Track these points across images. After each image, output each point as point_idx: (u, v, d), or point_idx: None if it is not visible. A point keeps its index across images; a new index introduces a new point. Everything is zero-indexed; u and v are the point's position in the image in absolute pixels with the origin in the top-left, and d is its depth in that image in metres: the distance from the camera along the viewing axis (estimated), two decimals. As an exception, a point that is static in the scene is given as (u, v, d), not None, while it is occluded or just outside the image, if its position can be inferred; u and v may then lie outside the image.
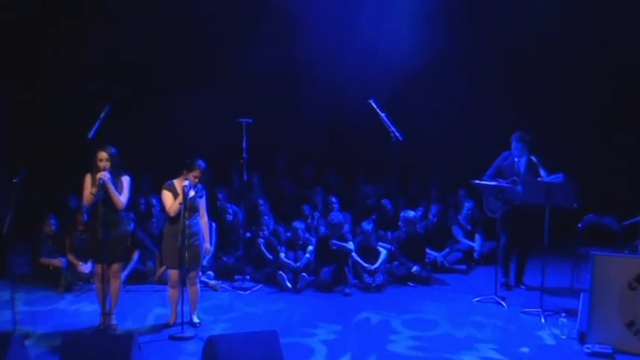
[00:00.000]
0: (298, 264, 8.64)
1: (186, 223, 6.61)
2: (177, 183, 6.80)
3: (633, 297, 6.28)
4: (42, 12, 10.30)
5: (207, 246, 7.07)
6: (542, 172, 7.68)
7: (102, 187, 6.45)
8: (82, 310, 7.59)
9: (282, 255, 8.73)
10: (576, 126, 10.49)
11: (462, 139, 10.72)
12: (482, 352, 6.41)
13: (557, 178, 7.26)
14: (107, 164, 6.57)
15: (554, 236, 7.39)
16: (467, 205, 9.81)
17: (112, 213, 6.62)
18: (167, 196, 6.83)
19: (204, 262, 7.65)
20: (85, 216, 6.92)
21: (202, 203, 6.99)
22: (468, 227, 9.79)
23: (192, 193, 6.76)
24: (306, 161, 11.47)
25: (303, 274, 8.48)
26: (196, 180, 6.77)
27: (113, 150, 6.66)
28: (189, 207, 6.69)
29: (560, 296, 8.03)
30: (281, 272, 8.44)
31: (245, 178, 8.72)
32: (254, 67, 11.11)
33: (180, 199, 6.65)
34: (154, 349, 6.38)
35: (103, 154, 6.58)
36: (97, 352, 5.52)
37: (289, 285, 8.39)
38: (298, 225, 8.93)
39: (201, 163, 6.83)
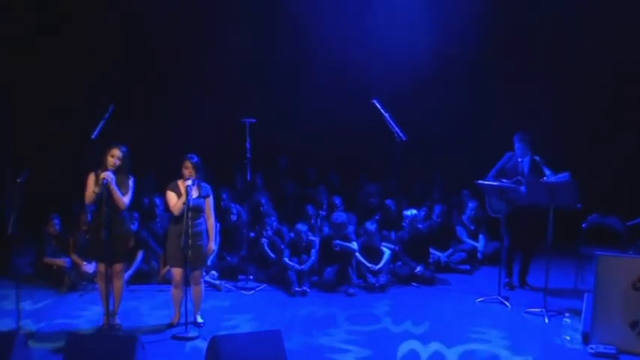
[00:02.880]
0: (303, 266, 8.60)
1: (190, 222, 6.62)
2: (181, 183, 6.80)
3: (637, 297, 6.26)
4: (44, 12, 10.34)
5: (212, 246, 7.06)
6: (547, 171, 7.67)
7: (104, 187, 6.47)
8: (85, 310, 7.60)
9: (287, 259, 8.66)
10: (580, 126, 10.48)
11: (466, 139, 10.73)
12: (485, 351, 6.40)
13: (564, 177, 7.25)
14: (117, 162, 6.60)
15: (558, 236, 7.39)
16: (470, 205, 9.79)
17: (114, 213, 6.62)
18: (170, 196, 6.85)
19: (208, 262, 7.64)
20: (89, 216, 6.91)
21: (209, 204, 6.98)
22: (472, 227, 9.77)
23: (195, 193, 6.78)
24: (310, 161, 11.47)
25: (307, 276, 8.49)
26: (189, 173, 6.74)
27: (125, 149, 6.69)
28: (193, 208, 6.70)
29: (564, 297, 8.01)
30: (296, 288, 8.32)
31: (249, 178, 8.73)
32: (258, 67, 11.14)
33: (183, 198, 6.67)
34: (157, 349, 6.38)
35: (116, 151, 6.60)
36: (101, 351, 5.53)
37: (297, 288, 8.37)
38: (301, 227, 8.85)
39: (190, 156, 6.84)
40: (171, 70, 11.12)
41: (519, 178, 7.77)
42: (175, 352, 6.38)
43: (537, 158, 7.90)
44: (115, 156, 6.59)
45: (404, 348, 6.48)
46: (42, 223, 8.80)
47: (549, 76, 10.70)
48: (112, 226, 6.59)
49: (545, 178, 7.56)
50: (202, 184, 6.92)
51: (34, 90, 10.50)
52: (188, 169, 6.78)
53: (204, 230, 6.90)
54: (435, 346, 6.53)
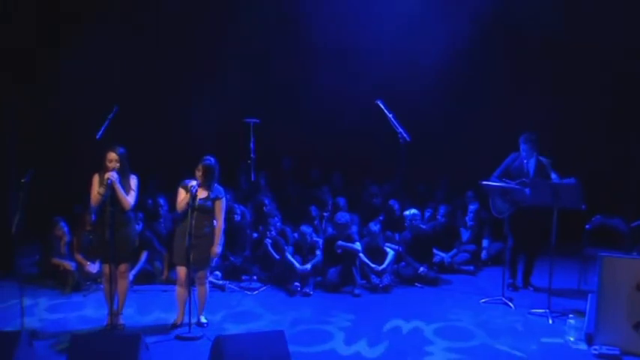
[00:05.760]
0: (306, 266, 8.61)
1: (194, 223, 6.63)
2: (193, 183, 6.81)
3: (641, 299, 6.27)
4: (46, 14, 10.35)
5: (215, 250, 6.97)
6: (553, 176, 7.66)
7: (109, 188, 6.48)
8: (89, 310, 7.61)
9: (289, 256, 8.69)
10: (584, 127, 10.46)
11: (470, 139, 10.72)
12: (488, 352, 6.40)
13: (569, 182, 7.24)
14: (116, 165, 6.59)
15: (562, 237, 7.38)
16: (471, 207, 9.81)
17: (119, 213, 6.64)
18: (180, 193, 6.85)
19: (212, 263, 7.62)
20: (93, 216, 6.92)
21: (219, 206, 6.91)
22: (476, 228, 9.77)
23: (202, 194, 6.78)
24: (313, 162, 11.47)
25: (311, 277, 8.49)
26: (199, 176, 6.77)
27: (122, 150, 6.68)
28: (198, 208, 6.72)
29: (568, 297, 8.00)
30: (296, 283, 8.37)
31: (252, 179, 8.74)
32: (262, 67, 11.14)
33: (186, 198, 6.68)
34: (161, 349, 6.39)
35: (112, 155, 6.60)
36: (105, 351, 5.54)
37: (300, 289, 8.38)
38: (306, 229, 8.83)
39: (204, 159, 6.85)
40: (175, 70, 11.12)
41: (524, 179, 7.75)
42: (179, 353, 6.38)
43: (544, 160, 7.90)
44: (112, 160, 6.59)
45: (406, 345, 6.50)
46: (46, 223, 8.80)
47: (553, 76, 10.69)
48: (118, 226, 6.63)
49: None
50: (215, 186, 6.92)
51: (37, 90, 10.50)
52: (199, 172, 6.80)
53: (208, 233, 6.88)
54: (437, 345, 6.54)
